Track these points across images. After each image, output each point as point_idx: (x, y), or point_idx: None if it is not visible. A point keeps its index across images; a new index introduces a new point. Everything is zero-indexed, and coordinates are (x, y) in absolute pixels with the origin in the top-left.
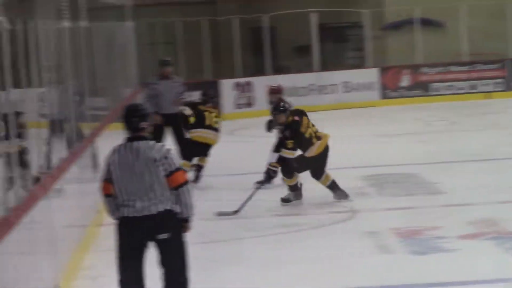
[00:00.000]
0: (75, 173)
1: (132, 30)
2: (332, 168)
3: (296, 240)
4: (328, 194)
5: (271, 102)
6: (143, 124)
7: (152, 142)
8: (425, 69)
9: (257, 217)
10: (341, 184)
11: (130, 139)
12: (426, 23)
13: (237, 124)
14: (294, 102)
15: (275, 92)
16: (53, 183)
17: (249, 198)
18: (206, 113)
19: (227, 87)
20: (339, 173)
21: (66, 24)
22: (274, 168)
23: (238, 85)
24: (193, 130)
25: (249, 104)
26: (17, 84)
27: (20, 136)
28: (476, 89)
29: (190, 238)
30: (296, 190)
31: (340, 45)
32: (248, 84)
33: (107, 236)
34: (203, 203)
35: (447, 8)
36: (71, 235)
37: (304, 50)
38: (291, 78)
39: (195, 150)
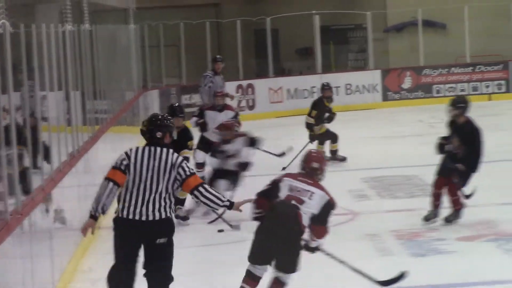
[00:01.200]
0: (74, 176)
1: (135, 32)
2: (333, 170)
3: None
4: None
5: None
6: (160, 134)
7: (171, 150)
8: (427, 71)
9: None
10: (343, 186)
11: (149, 145)
12: (429, 25)
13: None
14: (296, 104)
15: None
16: (53, 187)
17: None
18: None
19: (229, 90)
20: (341, 175)
21: (69, 27)
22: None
23: (240, 87)
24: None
25: (251, 107)
26: (18, 87)
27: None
28: (478, 91)
29: (193, 241)
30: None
31: (342, 47)
32: (250, 86)
33: (106, 239)
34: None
35: (449, 10)
36: (70, 238)
37: (306, 52)
38: (293, 80)
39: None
